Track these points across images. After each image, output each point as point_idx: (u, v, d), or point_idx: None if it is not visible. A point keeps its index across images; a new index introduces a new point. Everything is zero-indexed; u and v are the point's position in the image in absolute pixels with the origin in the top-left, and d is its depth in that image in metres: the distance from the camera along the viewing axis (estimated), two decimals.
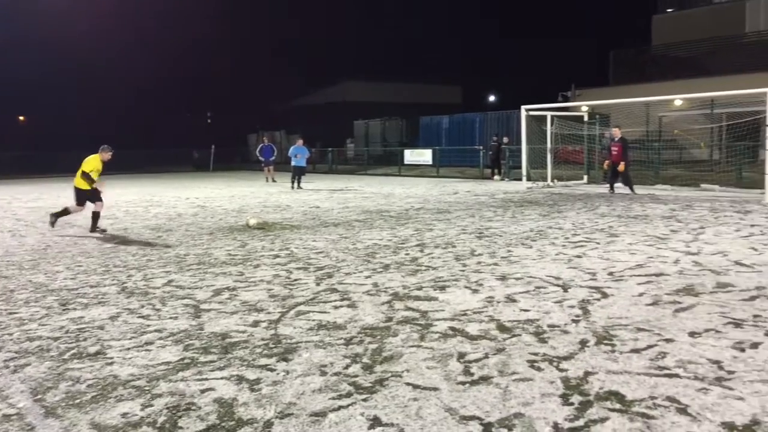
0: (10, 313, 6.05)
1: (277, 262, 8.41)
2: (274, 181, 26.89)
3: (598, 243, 9.35)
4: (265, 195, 20.53)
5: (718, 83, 27.93)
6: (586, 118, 22.95)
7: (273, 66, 70.38)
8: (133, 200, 19.45)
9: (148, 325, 5.55)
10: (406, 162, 35.03)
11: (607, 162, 18.24)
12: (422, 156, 34.90)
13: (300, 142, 24.04)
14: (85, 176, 11.58)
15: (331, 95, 60.17)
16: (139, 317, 5.83)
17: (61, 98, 57.76)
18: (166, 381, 4.23)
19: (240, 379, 4.24)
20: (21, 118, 60.66)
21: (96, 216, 11.93)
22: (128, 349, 4.92)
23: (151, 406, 3.84)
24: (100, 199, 11.92)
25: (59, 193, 22.00)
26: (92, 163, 11.68)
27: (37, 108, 58.71)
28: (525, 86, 57.74)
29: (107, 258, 9.07)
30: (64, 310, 6.16)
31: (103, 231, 11.83)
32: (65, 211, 12.30)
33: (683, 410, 3.59)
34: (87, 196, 11.79)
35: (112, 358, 4.72)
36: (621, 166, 17.49)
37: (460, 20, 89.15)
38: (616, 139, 17.80)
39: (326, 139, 43.61)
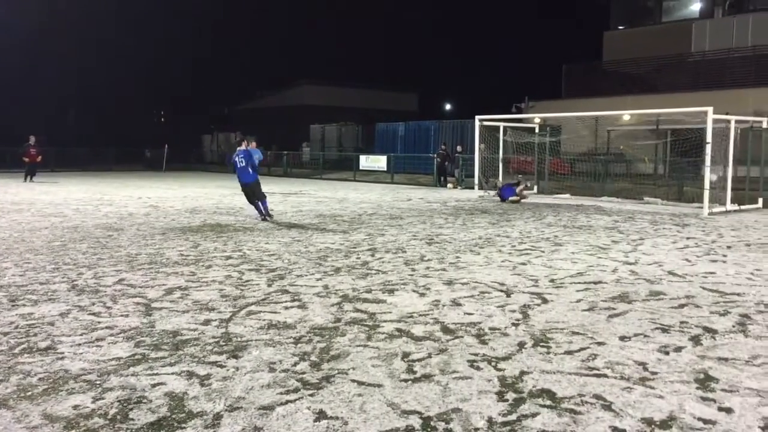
0: None
1: (229, 263, 8.50)
2: None
3: (543, 251, 9.70)
4: (219, 196, 20.46)
5: (664, 100, 28.97)
6: (537, 130, 23.51)
7: (230, 66, 69.84)
8: (83, 198, 19.17)
9: (99, 322, 5.61)
10: (361, 167, 35.21)
11: None
12: (377, 162, 35.12)
13: (253, 144, 23.90)
14: None
15: (288, 98, 59.94)
16: (89, 314, 5.88)
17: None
18: (117, 375, 4.33)
19: (190, 374, 4.37)
20: None
21: None
22: (79, 344, 4.99)
23: (102, 399, 3.94)
24: None
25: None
26: None
27: None
28: (480, 96, 58.78)
29: (56, 255, 9.02)
30: (13, 305, 6.16)
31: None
32: None
33: (608, 407, 3.87)
34: None
35: (62, 353, 4.79)
36: None
37: (419, 30, 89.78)
38: None
39: (281, 143, 43.49)
